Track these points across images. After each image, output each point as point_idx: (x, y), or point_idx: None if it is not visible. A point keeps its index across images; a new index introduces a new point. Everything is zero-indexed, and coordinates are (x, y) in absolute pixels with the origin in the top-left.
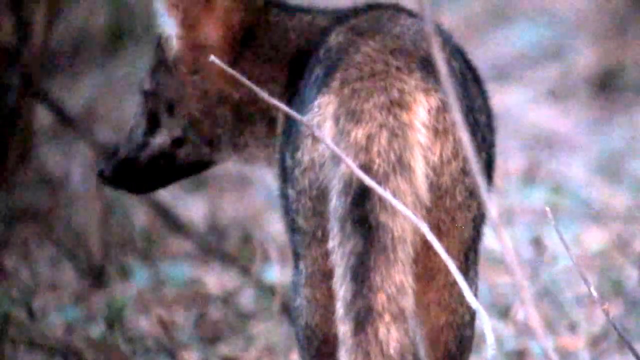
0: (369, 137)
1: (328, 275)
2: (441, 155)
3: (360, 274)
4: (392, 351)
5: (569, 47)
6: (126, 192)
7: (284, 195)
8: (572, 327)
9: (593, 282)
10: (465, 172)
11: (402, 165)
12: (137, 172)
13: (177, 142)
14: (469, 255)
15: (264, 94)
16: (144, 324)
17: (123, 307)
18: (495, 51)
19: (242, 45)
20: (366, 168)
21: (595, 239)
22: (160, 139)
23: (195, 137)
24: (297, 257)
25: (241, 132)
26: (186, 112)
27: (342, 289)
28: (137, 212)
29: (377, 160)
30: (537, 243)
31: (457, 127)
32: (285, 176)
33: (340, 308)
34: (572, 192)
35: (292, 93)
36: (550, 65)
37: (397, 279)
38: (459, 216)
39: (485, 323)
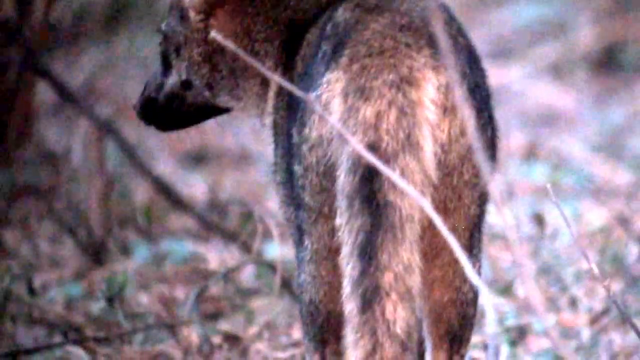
0: (378, 115)
1: (334, 251)
2: (449, 132)
3: (368, 252)
4: (398, 330)
5: (571, 25)
6: (154, 128)
7: (288, 171)
8: (573, 304)
9: (594, 258)
10: (472, 149)
11: (410, 143)
12: (158, 111)
13: (185, 85)
14: (474, 233)
15: (263, 68)
16: (145, 301)
17: (123, 283)
18: (496, 28)
19: None
20: (375, 146)
21: (596, 215)
22: (172, 80)
23: (196, 80)
24: (301, 233)
25: (237, 84)
26: (189, 55)
27: (349, 266)
28: (138, 188)
29: (385, 138)
30: (538, 220)
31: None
32: (291, 151)
33: (347, 286)
34: (573, 169)
35: (287, 60)
36: (552, 43)
37: (405, 258)
38: (466, 194)
39: (486, 299)
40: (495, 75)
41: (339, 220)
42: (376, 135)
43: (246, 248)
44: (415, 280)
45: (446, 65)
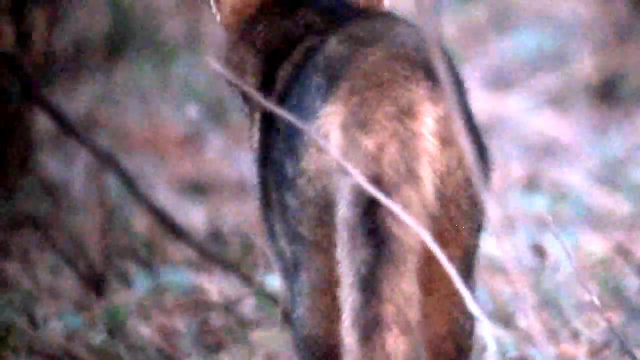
0: (380, 148)
1: (332, 284)
2: (448, 164)
3: (370, 285)
4: None
5: (571, 55)
6: None
7: (282, 204)
8: (574, 335)
9: (594, 289)
10: (469, 180)
11: (411, 176)
12: None
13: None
14: (470, 265)
15: (260, 98)
16: (145, 332)
17: (124, 314)
18: (496, 58)
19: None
20: (377, 178)
21: (597, 246)
22: None
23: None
24: (296, 266)
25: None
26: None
27: (350, 299)
28: (138, 219)
29: (387, 171)
30: (539, 251)
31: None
32: (285, 184)
33: (346, 318)
34: (573, 199)
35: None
36: (552, 73)
37: (406, 290)
38: (463, 225)
39: (487, 331)
40: (495, 105)
41: (340, 253)
42: (378, 168)
43: (247, 279)
44: (415, 314)
45: (443, 96)
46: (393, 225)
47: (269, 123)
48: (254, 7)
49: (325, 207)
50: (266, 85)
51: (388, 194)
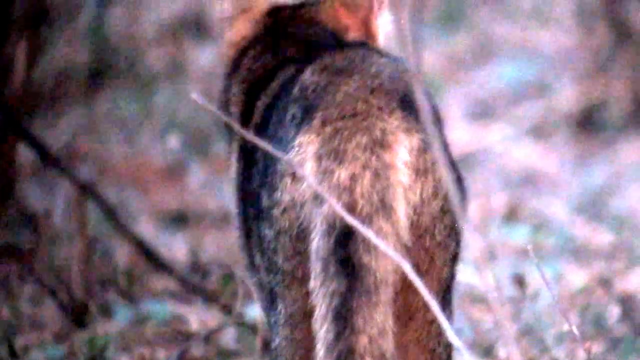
0: (353, 178)
1: (308, 314)
2: (422, 195)
3: (343, 315)
4: None
5: (552, 85)
6: None
7: (258, 235)
8: None
9: (575, 320)
10: (444, 211)
11: (384, 206)
12: None
13: None
14: (446, 295)
15: (238, 127)
16: None
17: (105, 345)
18: (477, 88)
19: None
20: (350, 209)
21: (577, 276)
22: None
23: None
24: (273, 296)
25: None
26: None
27: (323, 329)
28: (119, 250)
29: (360, 201)
30: (519, 281)
31: (437, 167)
32: (261, 215)
33: (320, 349)
34: (554, 229)
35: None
36: (533, 103)
37: (379, 321)
38: (438, 255)
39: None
40: (476, 135)
41: (313, 283)
42: (351, 199)
43: (227, 310)
44: (389, 344)
45: (417, 128)
46: (365, 256)
47: (247, 153)
48: (247, 40)
49: (299, 237)
50: (246, 115)
51: (361, 224)
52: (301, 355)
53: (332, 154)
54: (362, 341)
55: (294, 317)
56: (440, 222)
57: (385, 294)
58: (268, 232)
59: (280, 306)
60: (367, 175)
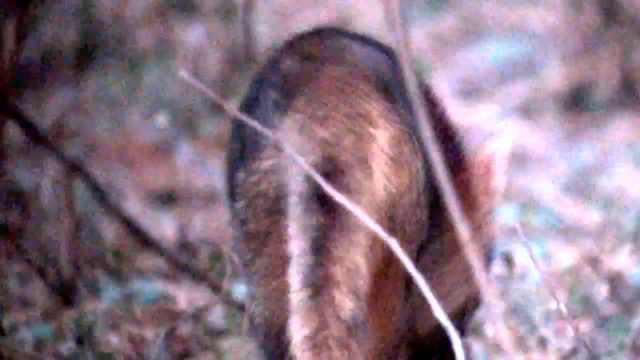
0: (336, 136)
1: (283, 271)
2: (399, 186)
3: (322, 246)
4: (346, 316)
5: (540, 64)
6: None
7: (234, 214)
8: (542, 344)
9: (563, 298)
10: (418, 205)
11: (365, 165)
12: None
13: None
14: (410, 286)
15: (227, 104)
16: (114, 341)
17: (93, 324)
18: (465, 68)
19: None
20: (331, 159)
21: (565, 255)
22: None
23: None
24: (248, 265)
25: None
26: None
27: (300, 260)
28: (107, 228)
29: (342, 154)
30: (507, 260)
31: (416, 158)
32: (233, 193)
33: (296, 282)
34: (542, 208)
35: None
36: (521, 82)
37: (357, 260)
38: (406, 248)
39: (455, 340)
40: (464, 115)
41: (291, 216)
42: (333, 151)
43: (216, 288)
44: (364, 285)
45: (398, 119)
46: (346, 197)
47: (237, 133)
48: None
49: (277, 198)
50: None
51: (341, 172)
52: (275, 309)
53: (316, 121)
54: (340, 270)
55: (269, 275)
56: (412, 215)
57: (364, 239)
58: (240, 203)
59: (254, 268)
60: (350, 137)
